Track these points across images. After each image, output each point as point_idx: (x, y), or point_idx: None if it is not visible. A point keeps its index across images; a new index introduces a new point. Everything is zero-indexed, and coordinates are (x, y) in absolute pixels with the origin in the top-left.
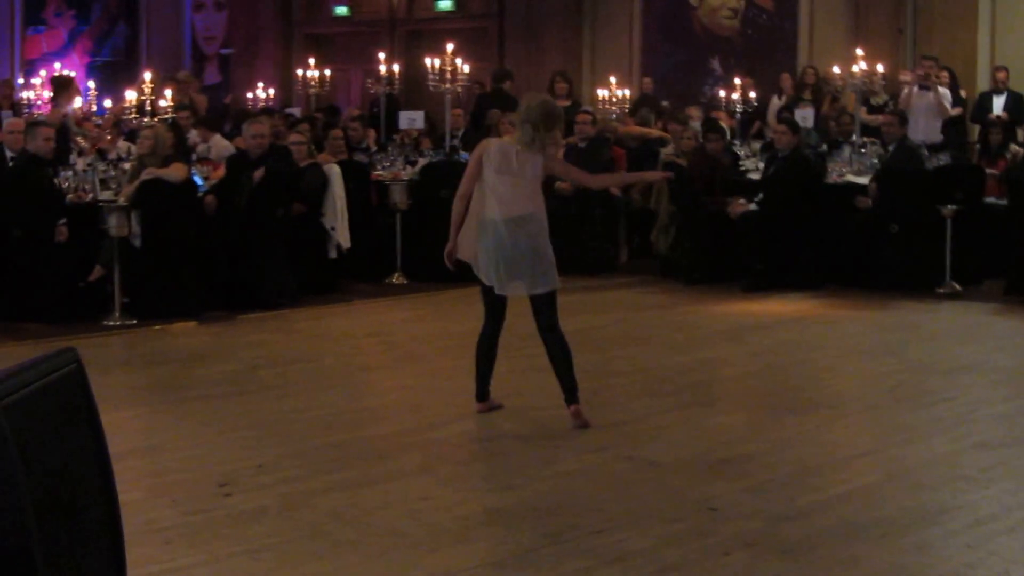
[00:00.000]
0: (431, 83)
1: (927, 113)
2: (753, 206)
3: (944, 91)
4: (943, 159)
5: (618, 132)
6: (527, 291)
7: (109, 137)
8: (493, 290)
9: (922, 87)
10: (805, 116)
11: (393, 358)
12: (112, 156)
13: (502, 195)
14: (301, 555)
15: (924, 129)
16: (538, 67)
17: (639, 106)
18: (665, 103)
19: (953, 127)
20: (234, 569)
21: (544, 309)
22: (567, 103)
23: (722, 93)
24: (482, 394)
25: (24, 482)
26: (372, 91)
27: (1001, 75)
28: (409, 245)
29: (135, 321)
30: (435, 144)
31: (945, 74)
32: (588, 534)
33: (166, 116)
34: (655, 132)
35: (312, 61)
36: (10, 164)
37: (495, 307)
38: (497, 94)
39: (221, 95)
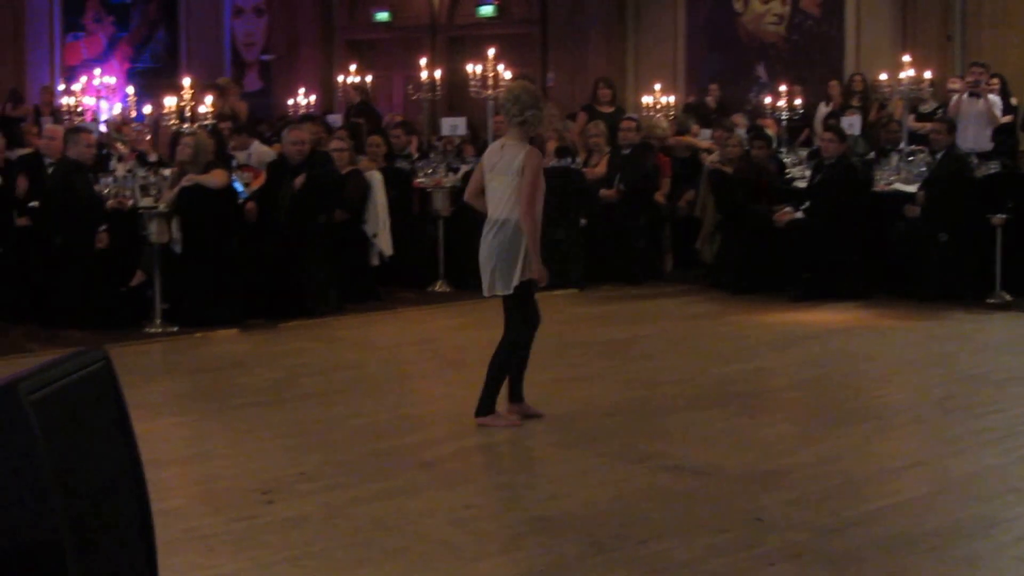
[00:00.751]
0: (473, 89)
1: (977, 121)
2: (799, 214)
3: (994, 98)
4: (993, 167)
5: (665, 140)
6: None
7: (148, 138)
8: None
9: (972, 94)
10: (852, 123)
11: (437, 366)
12: (153, 158)
13: (490, 195)
14: (344, 563)
15: (974, 137)
16: (581, 73)
17: (687, 112)
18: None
19: (1004, 135)
20: None
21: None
22: (611, 110)
23: (767, 100)
24: (515, 395)
25: (54, 481)
26: (414, 97)
27: None
28: (452, 252)
29: (176, 328)
30: (477, 151)
31: (996, 81)
32: (634, 544)
33: (206, 123)
34: (704, 143)
35: (353, 67)
36: (49, 171)
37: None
38: None
39: (262, 101)
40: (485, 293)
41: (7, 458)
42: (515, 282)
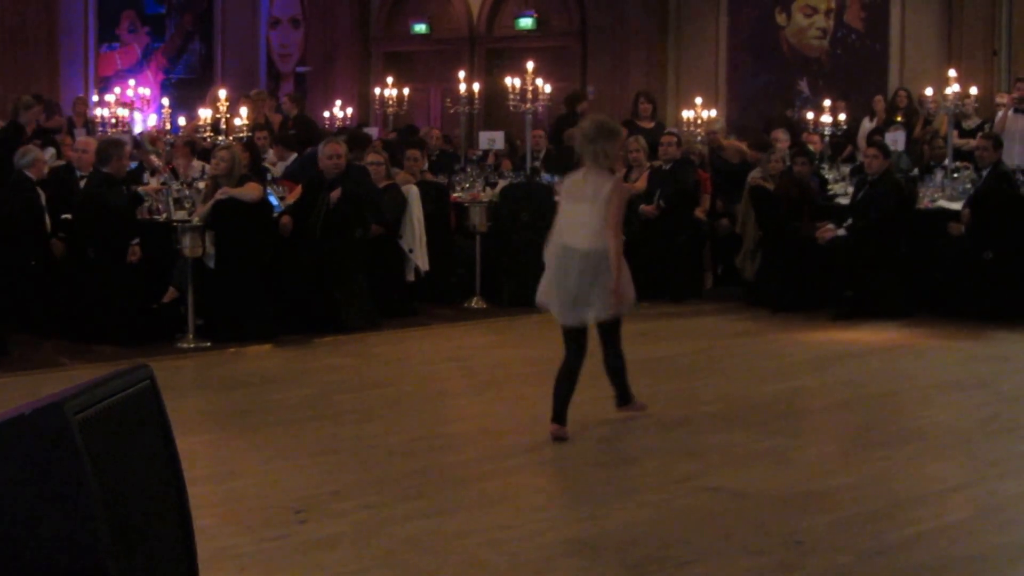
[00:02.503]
0: (511, 103)
1: (1023, 137)
2: (842, 231)
3: None
4: None
5: (722, 145)
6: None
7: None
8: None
9: (1018, 110)
10: (896, 139)
11: (473, 384)
12: (187, 177)
13: (569, 223)
14: None
15: (1020, 154)
16: (621, 86)
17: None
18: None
19: None
20: None
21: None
22: (651, 124)
23: (810, 115)
24: (559, 416)
25: (99, 501)
26: (452, 111)
27: None
28: (489, 268)
29: (209, 344)
30: (515, 165)
31: None
32: (673, 566)
33: (241, 135)
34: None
35: (390, 79)
36: (81, 184)
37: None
38: (571, 117)
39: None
40: (570, 322)
41: (53, 478)
42: (629, 304)
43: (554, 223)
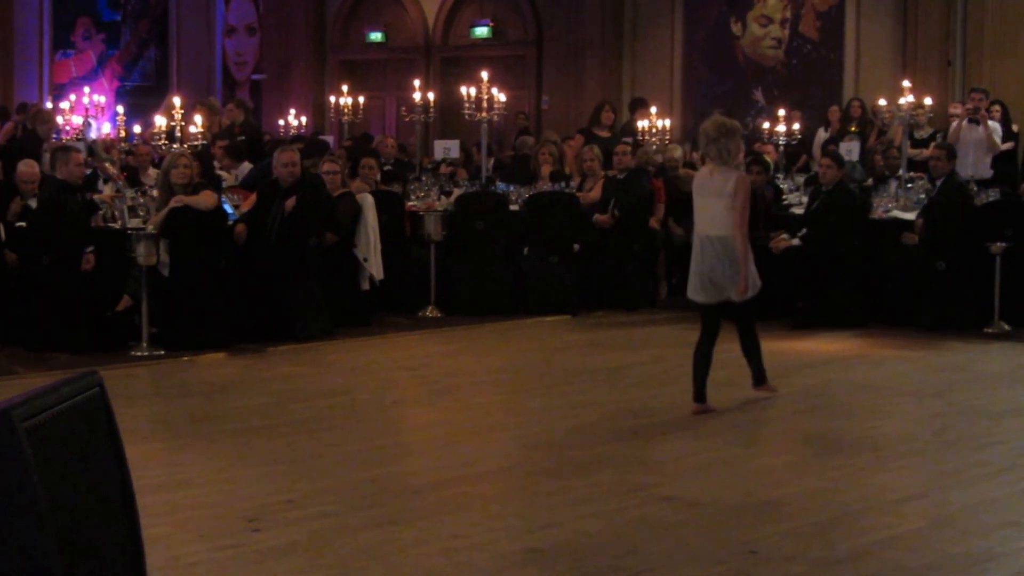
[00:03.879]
0: (467, 112)
1: (976, 147)
2: (796, 241)
3: (994, 125)
4: (992, 195)
5: (679, 175)
6: (734, 298)
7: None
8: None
9: (971, 121)
10: (851, 149)
11: (428, 393)
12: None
13: (702, 214)
14: None
15: (973, 164)
16: (577, 96)
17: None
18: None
19: (1004, 162)
20: None
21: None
22: (608, 134)
23: (765, 125)
24: (699, 396)
25: (47, 509)
26: (407, 119)
27: None
28: (443, 277)
29: (163, 352)
30: (470, 174)
31: (996, 108)
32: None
33: (196, 143)
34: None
35: (345, 88)
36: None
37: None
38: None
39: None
40: (704, 300)
41: (1, 486)
42: (757, 287)
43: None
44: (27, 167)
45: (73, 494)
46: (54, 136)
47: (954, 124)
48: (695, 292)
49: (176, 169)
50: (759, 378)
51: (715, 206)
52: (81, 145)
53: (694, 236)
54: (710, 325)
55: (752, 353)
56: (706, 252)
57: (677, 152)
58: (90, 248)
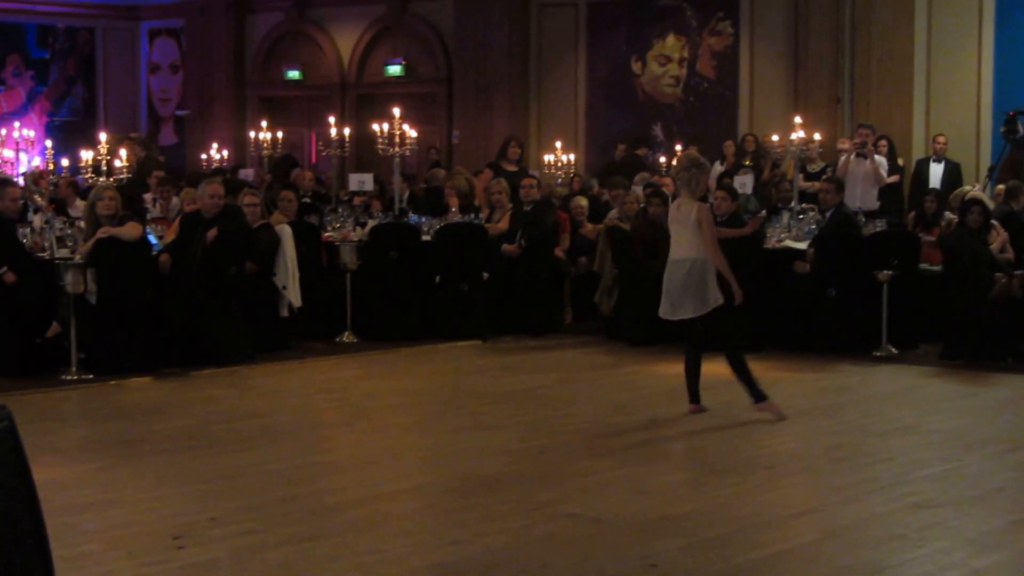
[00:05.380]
0: (380, 147)
1: (864, 180)
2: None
3: (880, 159)
4: (879, 225)
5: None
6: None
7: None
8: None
9: (859, 155)
10: (744, 183)
11: (345, 415)
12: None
13: (675, 241)
14: None
15: (861, 196)
16: (486, 132)
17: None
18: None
19: (890, 194)
20: None
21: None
22: (515, 168)
23: (663, 159)
24: (693, 398)
25: None
26: (324, 153)
27: (941, 140)
28: (359, 304)
29: (92, 376)
30: (384, 206)
31: (884, 143)
32: None
33: (122, 176)
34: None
35: (265, 123)
36: None
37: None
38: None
39: (176, 155)
40: (669, 316)
41: None
42: (710, 304)
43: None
44: None
45: None
46: None
47: (842, 158)
48: (662, 310)
49: (102, 201)
50: (755, 395)
51: (681, 234)
52: (20, 180)
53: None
54: (690, 336)
55: (736, 371)
56: (670, 273)
57: (583, 202)
58: (3, 269)
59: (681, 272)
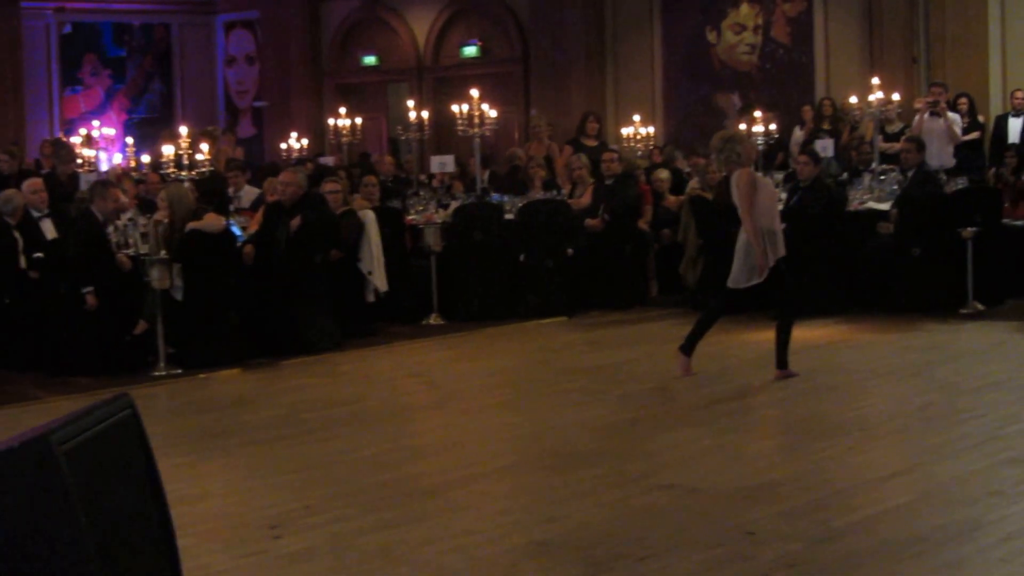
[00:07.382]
0: (459, 128)
1: (939, 139)
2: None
3: (954, 116)
4: (961, 183)
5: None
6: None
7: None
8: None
9: (932, 113)
10: (825, 146)
11: (435, 397)
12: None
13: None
14: None
15: (937, 155)
16: (564, 109)
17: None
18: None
19: (970, 151)
20: None
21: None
22: (595, 143)
23: (742, 126)
24: (685, 348)
25: (87, 529)
26: (403, 137)
27: (1019, 95)
28: (444, 286)
29: (180, 371)
30: (466, 187)
31: (963, 100)
32: (632, 562)
33: (204, 170)
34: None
35: (343, 110)
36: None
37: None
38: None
39: (255, 147)
40: (736, 285)
41: (41, 508)
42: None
43: None
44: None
45: (111, 513)
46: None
47: (916, 118)
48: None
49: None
50: (780, 362)
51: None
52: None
53: None
54: (728, 304)
55: (780, 334)
56: (737, 243)
57: (664, 174)
58: (88, 289)
59: (741, 241)
